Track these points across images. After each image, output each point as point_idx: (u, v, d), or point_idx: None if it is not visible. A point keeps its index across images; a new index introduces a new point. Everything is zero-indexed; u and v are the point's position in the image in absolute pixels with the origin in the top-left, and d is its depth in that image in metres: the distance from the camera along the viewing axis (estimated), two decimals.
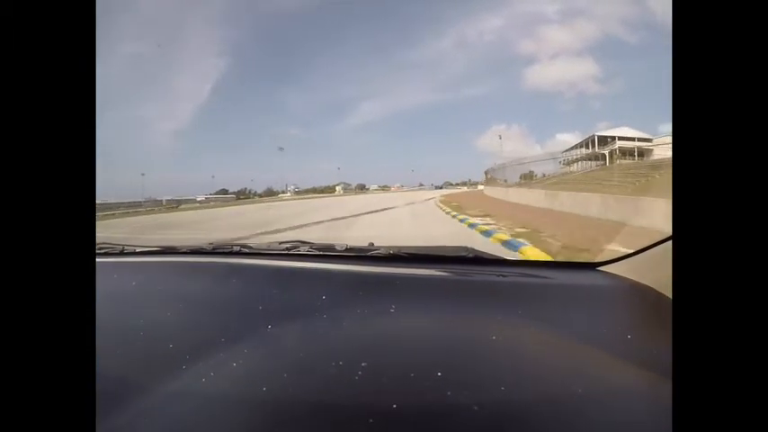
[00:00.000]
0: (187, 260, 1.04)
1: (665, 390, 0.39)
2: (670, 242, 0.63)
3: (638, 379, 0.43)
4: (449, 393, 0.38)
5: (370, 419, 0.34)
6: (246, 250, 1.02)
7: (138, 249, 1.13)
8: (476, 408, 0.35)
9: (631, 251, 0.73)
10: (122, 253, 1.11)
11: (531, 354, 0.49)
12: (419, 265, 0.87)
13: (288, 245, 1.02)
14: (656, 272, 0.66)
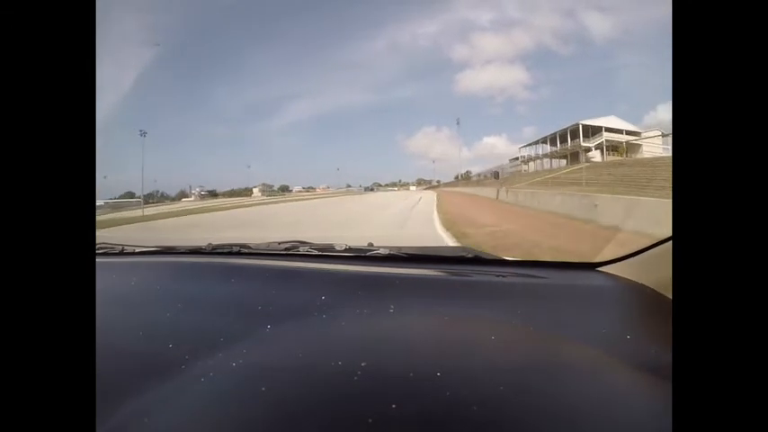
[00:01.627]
0: (186, 260, 1.04)
1: (665, 390, 0.39)
2: (669, 243, 0.63)
3: (638, 379, 0.43)
4: (448, 393, 0.37)
5: (369, 419, 0.34)
6: (246, 250, 1.02)
7: (137, 249, 1.13)
8: (475, 408, 0.35)
9: (631, 252, 0.73)
10: (122, 253, 1.12)
11: (531, 354, 0.49)
12: (418, 266, 0.87)
13: (287, 245, 1.02)
14: (656, 272, 0.66)
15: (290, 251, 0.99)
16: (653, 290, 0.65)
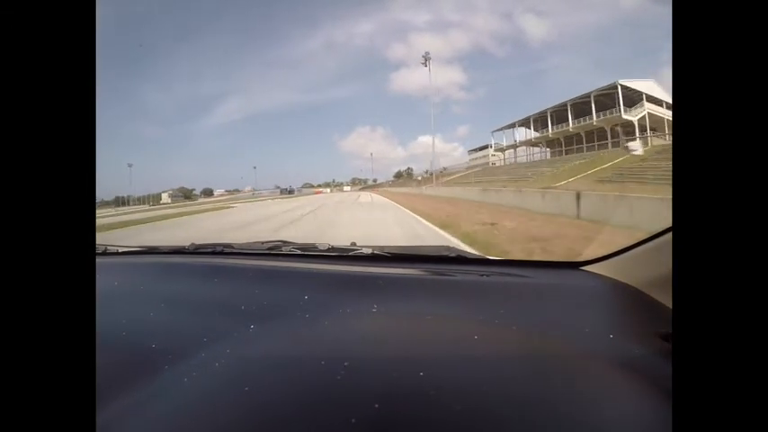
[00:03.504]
0: (169, 260, 1.04)
1: (647, 390, 0.40)
2: (652, 242, 0.64)
3: (621, 379, 0.43)
4: (431, 393, 0.38)
5: (353, 419, 0.34)
6: (229, 250, 1.03)
7: (120, 249, 1.13)
8: (458, 408, 0.35)
9: (614, 251, 0.74)
10: (105, 253, 1.12)
11: (514, 353, 0.49)
12: (401, 265, 0.88)
13: (270, 245, 1.03)
14: (639, 271, 0.66)
15: (273, 251, 1.00)
16: (636, 289, 0.65)
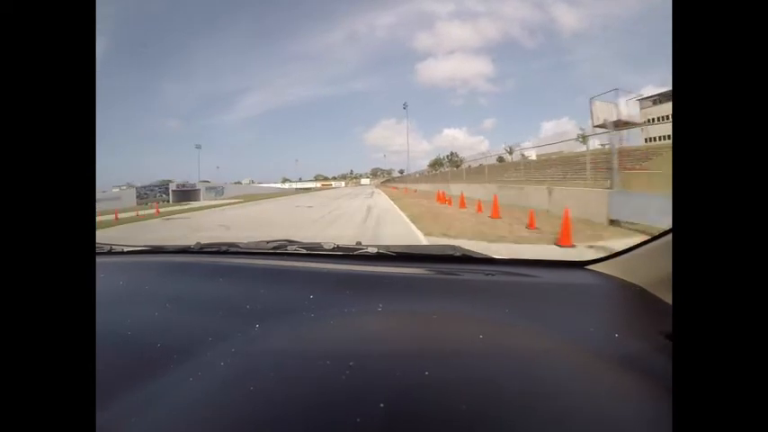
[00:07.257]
0: (175, 259, 1.04)
1: (653, 388, 0.40)
2: (657, 241, 0.64)
3: (626, 377, 0.43)
4: (436, 392, 0.38)
5: (358, 419, 0.34)
6: (234, 249, 1.03)
7: (125, 249, 1.13)
8: (463, 407, 0.35)
9: (619, 250, 0.74)
10: (110, 252, 1.12)
11: (519, 352, 0.49)
12: (407, 264, 0.88)
13: (275, 244, 1.03)
14: (644, 270, 0.66)
15: (278, 250, 1.00)
16: (641, 288, 0.65)
